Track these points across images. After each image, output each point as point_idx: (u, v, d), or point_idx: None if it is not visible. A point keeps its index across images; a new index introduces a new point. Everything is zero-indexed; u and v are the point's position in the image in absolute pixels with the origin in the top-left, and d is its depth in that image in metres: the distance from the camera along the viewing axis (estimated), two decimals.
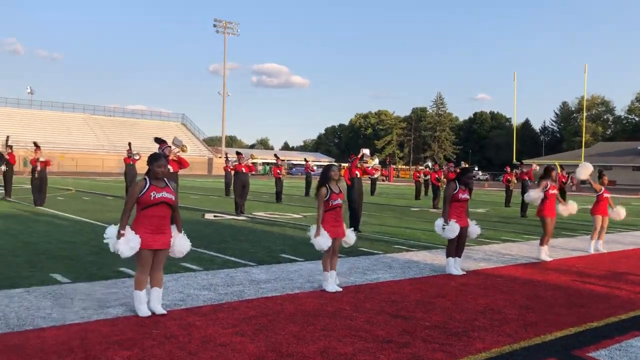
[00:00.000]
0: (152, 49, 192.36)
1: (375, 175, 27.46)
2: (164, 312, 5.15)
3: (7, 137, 20.67)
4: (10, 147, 19.48)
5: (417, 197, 26.64)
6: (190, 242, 5.56)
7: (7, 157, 19.23)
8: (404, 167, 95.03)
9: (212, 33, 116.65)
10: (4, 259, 7.62)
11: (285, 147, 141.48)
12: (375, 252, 9.33)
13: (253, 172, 18.33)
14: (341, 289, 6.39)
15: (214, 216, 14.92)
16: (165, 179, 5.34)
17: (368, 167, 13.29)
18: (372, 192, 28.23)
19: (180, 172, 14.61)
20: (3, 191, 19.23)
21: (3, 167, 19.67)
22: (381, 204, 21.92)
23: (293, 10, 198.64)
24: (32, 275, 6.67)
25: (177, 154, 13.81)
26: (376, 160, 18.19)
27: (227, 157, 25.93)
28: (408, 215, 17.20)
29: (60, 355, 4.00)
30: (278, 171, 22.26)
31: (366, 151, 13.31)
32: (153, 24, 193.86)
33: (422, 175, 27.09)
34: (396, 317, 5.34)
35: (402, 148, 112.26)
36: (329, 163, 7.30)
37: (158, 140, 13.55)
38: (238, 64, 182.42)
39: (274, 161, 25.01)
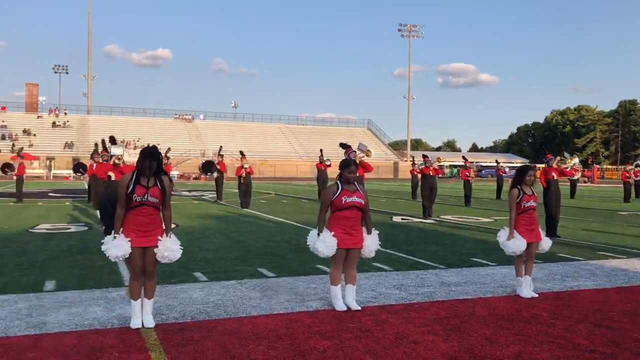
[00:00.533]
0: (338, 59, 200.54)
1: (576, 177, 25.37)
2: (359, 308, 5.43)
3: (220, 147, 23.24)
4: (222, 156, 21.90)
5: (627, 199, 24.03)
6: (380, 243, 5.80)
7: (217, 165, 21.68)
8: (609, 167, 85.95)
9: (397, 37, 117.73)
10: (220, 255, 8.64)
11: (474, 148, 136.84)
12: (576, 258, 8.69)
13: (440, 175, 18.17)
14: (537, 295, 6.10)
15: (402, 219, 15.13)
16: (356, 183, 5.64)
17: (566, 168, 12.40)
18: (572, 194, 26.08)
19: (367, 175, 15.08)
20: (215, 195, 21.70)
21: (215, 174, 22.20)
22: (582, 208, 20.19)
23: (478, 7, 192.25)
24: (243, 269, 7.49)
25: (362, 158, 14.31)
26: (576, 160, 16.82)
27: (413, 161, 26.01)
28: (615, 220, 15.62)
29: (270, 340, 4.48)
30: (466, 173, 21.74)
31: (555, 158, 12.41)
32: (338, 33, 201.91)
33: (632, 175, 24.37)
34: (600, 326, 4.96)
35: (607, 146, 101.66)
36: (522, 164, 7.01)
37: (343, 145, 14.21)
38: (423, 66, 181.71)
39: (462, 163, 24.50)
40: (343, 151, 14.03)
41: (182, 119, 76.57)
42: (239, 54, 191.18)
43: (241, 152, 19.75)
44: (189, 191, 29.32)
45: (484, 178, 66.09)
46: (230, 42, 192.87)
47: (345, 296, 5.52)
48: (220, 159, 21.66)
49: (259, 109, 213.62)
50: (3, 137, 61.58)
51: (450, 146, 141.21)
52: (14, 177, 20.64)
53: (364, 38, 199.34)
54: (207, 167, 24.42)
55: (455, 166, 72.77)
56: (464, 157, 25.14)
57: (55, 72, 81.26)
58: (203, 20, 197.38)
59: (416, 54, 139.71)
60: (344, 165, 5.60)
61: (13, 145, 55.76)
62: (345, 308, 5.40)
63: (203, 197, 24.33)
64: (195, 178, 50.33)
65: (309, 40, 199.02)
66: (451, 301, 5.85)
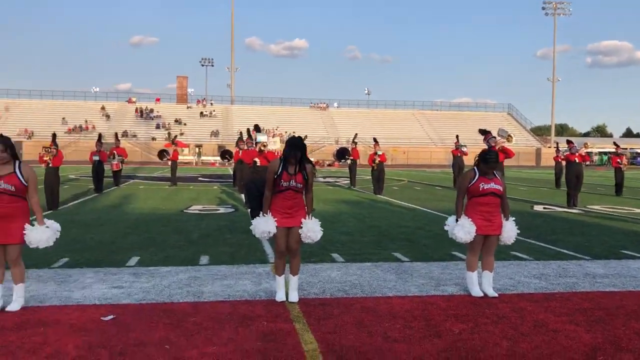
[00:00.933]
0: (476, 40, 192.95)
1: None
2: (496, 294, 5.39)
3: (355, 134, 23.66)
4: (355, 143, 22.32)
5: None
6: (518, 231, 5.67)
7: (351, 152, 22.13)
8: None
9: (540, 16, 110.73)
10: (355, 239, 8.92)
11: (628, 134, 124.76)
12: None
13: (587, 163, 16.98)
14: None
15: (544, 208, 14.43)
16: (494, 170, 5.55)
17: None
18: None
19: (506, 162, 14.54)
20: (349, 181, 22.19)
21: (348, 161, 22.68)
22: None
23: None
24: (378, 252, 7.69)
25: (503, 144, 13.82)
26: None
27: (557, 147, 24.49)
28: None
29: (406, 320, 4.63)
30: (618, 161, 20.09)
31: None
32: (476, 13, 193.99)
33: None
34: None
35: None
36: None
37: (482, 131, 13.81)
38: (569, 46, 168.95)
39: (613, 150, 22.63)
40: (481, 137, 13.66)
41: (317, 108, 78.59)
42: (372, 40, 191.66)
43: (374, 139, 19.96)
44: (324, 177, 30.18)
45: (639, 166, 60.34)
46: (364, 29, 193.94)
47: (482, 283, 5.50)
48: (354, 146, 22.07)
49: (392, 95, 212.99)
50: (158, 127, 67.58)
51: (600, 131, 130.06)
52: (169, 163, 22.72)
53: (504, 18, 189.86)
54: (341, 154, 24.96)
55: (605, 153, 67.13)
56: (615, 143, 23.14)
57: (202, 65, 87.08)
58: (337, 8, 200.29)
59: (562, 33, 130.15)
60: (484, 158, 5.47)
61: (169, 134, 60.86)
62: (481, 294, 5.39)
63: (337, 183, 24.97)
64: (330, 165, 51.55)
65: (444, 22, 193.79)
66: (596, 293, 5.58)
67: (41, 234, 4.87)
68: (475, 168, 5.56)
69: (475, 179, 5.45)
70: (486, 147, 12.58)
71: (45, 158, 12.88)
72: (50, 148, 12.93)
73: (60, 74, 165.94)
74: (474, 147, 26.72)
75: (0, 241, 4.75)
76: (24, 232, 4.81)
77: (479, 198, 5.45)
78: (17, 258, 4.85)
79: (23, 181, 4.77)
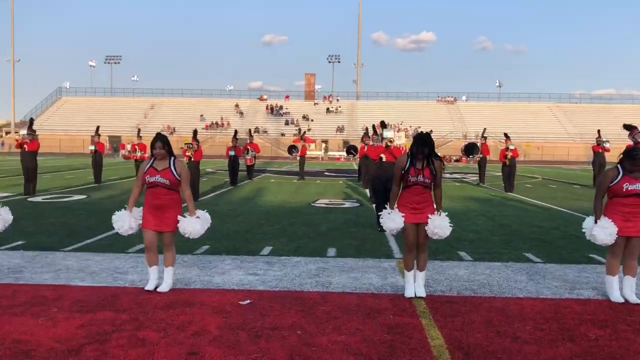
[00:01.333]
0: (621, 25, 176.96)
1: None
2: (638, 301, 5.03)
3: (484, 129, 22.89)
4: (485, 138, 21.60)
5: None
6: None
7: (480, 147, 21.44)
8: None
9: None
10: (484, 237, 8.71)
11: None
12: None
13: None
14: None
15: None
16: None
17: None
18: None
19: None
20: (477, 178, 21.54)
21: (477, 157, 22.01)
22: None
23: None
24: (508, 252, 7.46)
25: None
26: None
27: None
28: None
29: (537, 322, 4.48)
30: None
31: None
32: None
33: None
34: None
35: None
36: None
37: (627, 126, 12.80)
38: None
39: None
40: (626, 133, 12.66)
41: (444, 101, 76.91)
42: (504, 30, 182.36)
43: (505, 134, 19.19)
44: (450, 173, 29.52)
45: None
46: (495, 18, 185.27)
47: (624, 288, 5.16)
48: (483, 141, 21.37)
49: (525, 88, 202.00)
50: (287, 123, 70.10)
51: None
52: (297, 158, 23.54)
53: None
54: (470, 149, 24.26)
55: None
56: None
57: (329, 62, 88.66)
58: None
59: None
60: (630, 156, 5.08)
61: (299, 130, 62.98)
62: (622, 300, 5.06)
63: (464, 179, 24.33)
64: (457, 160, 50.28)
65: (583, 6, 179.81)
66: None
67: (194, 225, 5.34)
68: (619, 166, 5.20)
69: (619, 178, 5.11)
70: (631, 143, 11.65)
71: (187, 153, 13.98)
72: (192, 144, 14.00)
73: (198, 73, 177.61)
74: (618, 143, 24.67)
75: (157, 228, 5.30)
76: (178, 223, 5.32)
77: (622, 199, 5.11)
78: (170, 244, 5.39)
79: (176, 176, 5.29)
